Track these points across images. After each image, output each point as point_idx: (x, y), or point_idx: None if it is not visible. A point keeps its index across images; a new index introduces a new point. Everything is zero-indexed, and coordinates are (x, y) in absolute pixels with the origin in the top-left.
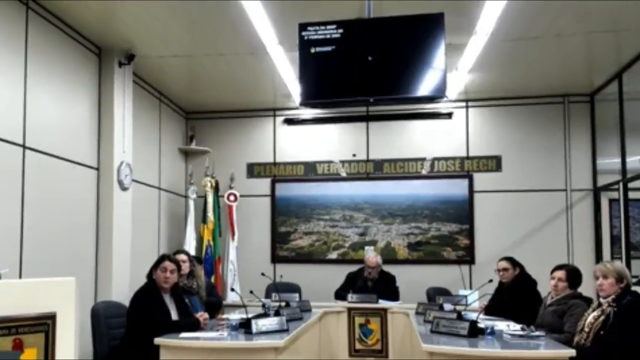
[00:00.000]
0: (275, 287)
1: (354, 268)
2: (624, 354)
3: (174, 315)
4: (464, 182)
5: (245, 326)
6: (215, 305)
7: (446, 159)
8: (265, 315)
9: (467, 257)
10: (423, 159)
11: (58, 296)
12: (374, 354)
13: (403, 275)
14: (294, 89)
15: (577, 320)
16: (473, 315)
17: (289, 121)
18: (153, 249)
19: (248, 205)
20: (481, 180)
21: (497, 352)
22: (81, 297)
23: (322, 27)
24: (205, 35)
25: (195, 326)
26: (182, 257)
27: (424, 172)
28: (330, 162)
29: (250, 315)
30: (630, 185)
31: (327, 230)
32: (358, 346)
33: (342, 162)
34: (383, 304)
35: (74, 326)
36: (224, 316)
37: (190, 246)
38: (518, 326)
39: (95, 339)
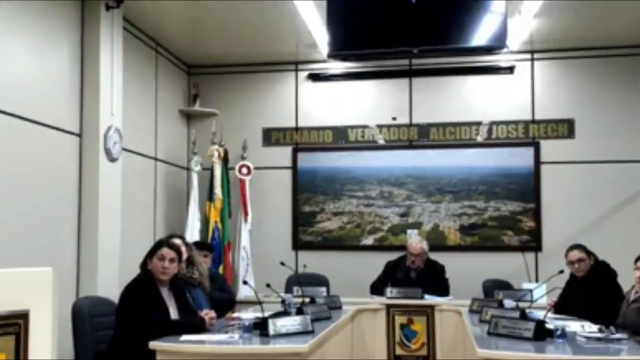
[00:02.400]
0: (298, 280)
1: (393, 256)
2: None
3: (174, 314)
4: (529, 152)
5: (260, 327)
6: (224, 301)
7: (507, 123)
8: (285, 313)
9: (533, 243)
10: (478, 124)
11: (31, 291)
12: None
13: (454, 264)
14: (321, 37)
15: None
16: (540, 314)
17: (314, 77)
18: (148, 233)
19: (264, 180)
20: (550, 149)
21: (569, 359)
22: (60, 292)
23: None
24: None
25: (200, 327)
26: (177, 241)
27: (479, 139)
28: (364, 127)
29: (266, 314)
30: None
31: (361, 210)
32: (399, 351)
33: (380, 127)
34: (429, 299)
35: (50, 327)
36: (235, 315)
37: (194, 230)
38: (595, 327)
39: (77, 343)
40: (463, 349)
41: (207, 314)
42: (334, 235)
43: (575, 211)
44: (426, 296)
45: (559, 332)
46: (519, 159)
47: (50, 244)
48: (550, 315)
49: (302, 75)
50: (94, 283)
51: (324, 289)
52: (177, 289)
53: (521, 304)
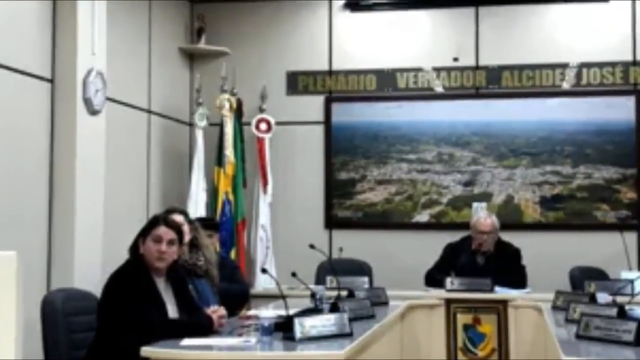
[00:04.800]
0: (332, 267)
1: (455, 237)
2: None
3: (172, 311)
4: (629, 102)
5: (284, 328)
6: (236, 295)
7: (600, 65)
8: (315, 311)
9: (634, 220)
10: (564, 66)
11: None
12: None
13: (532, 247)
14: None
15: None
16: None
17: (353, 6)
18: (139, 207)
19: (289, 138)
20: None
21: None
22: (26, 283)
23: None
24: None
25: (206, 328)
26: (178, 218)
27: (565, 85)
28: (418, 70)
29: (292, 312)
30: None
31: (414, 178)
32: (462, 358)
33: (437, 70)
34: (501, 292)
35: (14, 327)
36: (251, 312)
37: (198, 203)
38: None
39: (48, 348)
40: (544, 356)
41: (216, 311)
42: (378, 210)
43: None
44: (497, 288)
45: None
46: (617, 111)
47: (14, 221)
48: None
49: (337, 3)
50: (70, 271)
51: (365, 279)
52: (176, 280)
53: (619, 299)
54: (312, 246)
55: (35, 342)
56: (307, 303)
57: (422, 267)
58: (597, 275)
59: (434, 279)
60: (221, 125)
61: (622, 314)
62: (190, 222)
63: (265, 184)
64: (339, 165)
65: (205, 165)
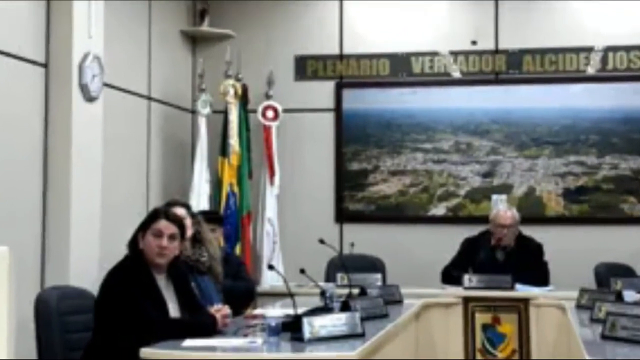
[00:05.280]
0: (343, 264)
1: (473, 231)
2: None
3: (173, 310)
4: None
5: (292, 328)
6: (241, 293)
7: (628, 48)
8: (325, 310)
9: None
10: (589, 50)
11: None
12: None
13: (555, 242)
14: None
15: None
16: None
17: None
18: (139, 199)
19: (297, 127)
20: None
21: None
22: (19, 280)
23: None
24: None
25: (209, 327)
26: (180, 211)
27: (590, 70)
28: (434, 54)
29: (300, 311)
30: None
31: (429, 168)
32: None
33: (455, 54)
34: (522, 290)
35: (6, 326)
36: (257, 311)
37: (201, 195)
38: None
39: (42, 348)
40: (568, 358)
41: (219, 310)
42: (391, 203)
43: None
44: (518, 286)
45: None
46: None
47: (5, 214)
48: None
49: None
50: (65, 268)
51: (378, 276)
52: (178, 277)
53: None
54: (321, 241)
55: (29, 343)
56: (317, 301)
57: (438, 263)
58: (624, 272)
59: (450, 275)
60: (225, 113)
61: None
62: (193, 215)
63: (272, 175)
64: (350, 155)
65: (208, 155)
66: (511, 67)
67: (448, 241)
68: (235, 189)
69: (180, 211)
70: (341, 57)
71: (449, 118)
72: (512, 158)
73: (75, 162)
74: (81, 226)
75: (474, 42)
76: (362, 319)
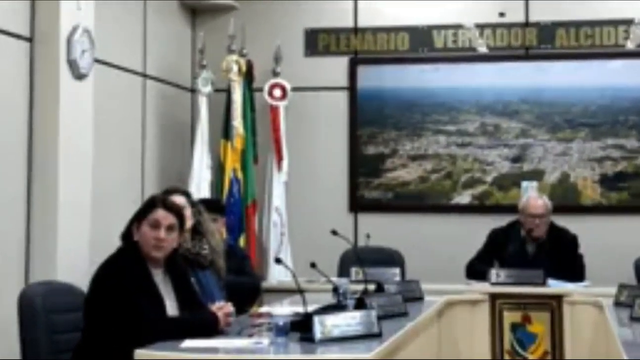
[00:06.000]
0: (358, 257)
1: (501, 221)
2: None
3: (171, 308)
4: None
5: (301, 328)
6: (245, 289)
7: None
8: (338, 307)
9: None
10: (629, 22)
11: None
12: None
13: (591, 233)
14: None
15: None
16: None
17: None
18: (133, 186)
19: (307, 107)
20: None
21: None
22: (1, 275)
23: None
24: None
25: (210, 327)
26: (179, 199)
27: (630, 45)
28: (458, 27)
29: (310, 309)
30: None
31: (453, 152)
32: None
33: (481, 27)
34: (555, 286)
35: None
36: (263, 309)
37: (201, 182)
38: None
39: (27, 350)
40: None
41: (222, 308)
42: (411, 190)
43: None
44: (550, 281)
45: None
46: None
47: None
48: None
49: None
50: (52, 262)
51: (396, 270)
52: (176, 272)
53: None
54: (334, 232)
55: (12, 344)
56: (329, 298)
57: (462, 257)
58: None
59: (476, 270)
60: (228, 92)
61: None
62: (193, 204)
63: (279, 159)
64: (366, 138)
65: (209, 138)
66: (543, 41)
67: (473, 232)
68: (239, 175)
69: (179, 199)
70: (356, 30)
71: (474, 97)
72: (544, 141)
73: (63, 146)
74: (69, 216)
75: (502, 14)
76: (379, 318)
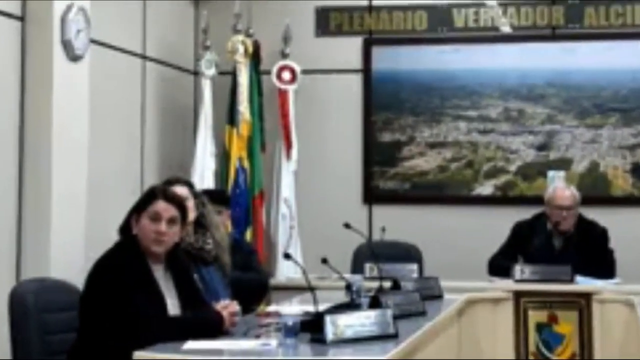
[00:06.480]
0: (372, 252)
1: (526, 214)
2: None
3: (173, 307)
4: None
5: (312, 328)
6: (253, 286)
7: None
8: (352, 306)
9: None
10: None
11: None
12: None
13: (623, 227)
14: None
15: None
16: None
17: None
18: (132, 176)
19: (318, 91)
20: None
21: None
22: None
23: None
24: None
25: (214, 327)
26: (181, 190)
27: None
28: (479, 4)
29: (322, 307)
30: None
31: (474, 140)
32: None
33: (504, 5)
34: (584, 283)
35: None
36: (271, 308)
37: (204, 171)
38: None
39: (18, 351)
40: None
41: (227, 306)
42: (429, 181)
43: None
44: (578, 278)
45: None
46: None
47: None
48: None
49: None
50: (45, 257)
51: (414, 266)
52: (178, 268)
53: None
54: (347, 225)
55: (2, 345)
56: (341, 297)
57: (484, 252)
58: None
59: (499, 266)
60: (234, 75)
61: None
62: (196, 195)
63: (288, 147)
64: (381, 124)
65: (213, 124)
66: (570, 20)
67: (496, 226)
68: (246, 164)
69: (181, 190)
70: (370, 8)
71: (497, 80)
72: (572, 127)
73: (57, 132)
74: (64, 208)
75: None
76: (395, 318)
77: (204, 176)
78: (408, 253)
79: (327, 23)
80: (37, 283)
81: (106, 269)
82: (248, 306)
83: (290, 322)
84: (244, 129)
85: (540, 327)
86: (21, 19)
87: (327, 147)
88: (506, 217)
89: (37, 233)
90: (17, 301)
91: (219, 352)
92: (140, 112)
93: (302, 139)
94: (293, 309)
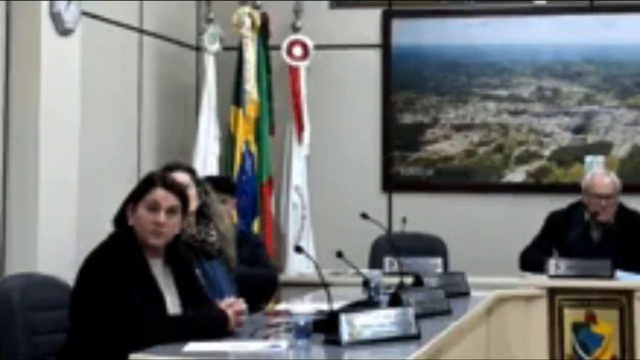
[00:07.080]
0: (393, 245)
1: (561, 203)
2: None
3: (173, 305)
4: None
5: (326, 328)
6: (261, 282)
7: None
8: (370, 304)
9: None
10: None
11: None
12: None
13: None
14: None
15: None
16: None
17: None
18: (128, 161)
19: (332, 68)
20: None
21: None
22: None
23: None
24: None
25: (219, 326)
26: (182, 177)
27: None
28: None
29: (336, 306)
30: None
31: (504, 122)
32: None
33: None
34: (625, 279)
35: None
36: (281, 307)
37: (207, 156)
38: None
39: (3, 352)
40: None
41: (232, 304)
42: (455, 167)
43: None
44: (619, 273)
45: None
46: None
47: None
48: None
49: None
50: (32, 252)
51: (438, 261)
52: (179, 262)
53: None
54: (364, 216)
55: None
56: (358, 294)
57: (515, 245)
58: None
59: (532, 260)
60: (240, 50)
61: None
62: (198, 183)
63: (300, 130)
64: (402, 104)
65: (217, 105)
66: None
67: (528, 216)
68: (253, 148)
69: (181, 177)
70: None
71: (529, 57)
72: (612, 108)
73: (45, 114)
74: (52, 196)
75: None
76: (417, 317)
77: (206, 162)
78: (431, 246)
79: None
80: (23, 279)
81: (99, 264)
82: (255, 304)
83: (301, 322)
84: (250, 109)
85: (577, 328)
86: None
87: (343, 129)
88: (539, 206)
89: (23, 224)
90: (2, 299)
91: (223, 354)
92: (137, 92)
93: (314, 121)
94: (305, 307)
